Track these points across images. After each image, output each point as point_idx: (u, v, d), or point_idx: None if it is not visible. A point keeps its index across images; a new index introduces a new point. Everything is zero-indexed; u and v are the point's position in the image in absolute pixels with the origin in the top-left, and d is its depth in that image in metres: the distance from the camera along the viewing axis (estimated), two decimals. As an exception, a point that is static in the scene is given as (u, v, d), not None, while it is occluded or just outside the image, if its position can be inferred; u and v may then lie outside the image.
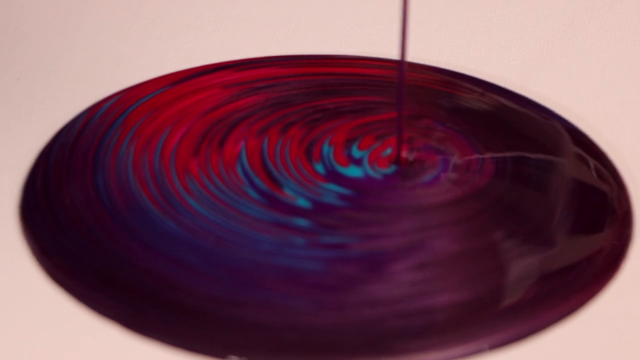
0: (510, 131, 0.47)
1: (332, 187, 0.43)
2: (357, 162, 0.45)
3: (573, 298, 0.38)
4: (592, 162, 0.44)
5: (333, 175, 0.44)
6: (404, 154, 0.45)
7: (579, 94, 0.49)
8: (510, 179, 0.43)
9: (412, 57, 0.50)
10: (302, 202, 0.42)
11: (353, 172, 0.44)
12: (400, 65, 0.43)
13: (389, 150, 0.45)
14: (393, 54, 0.52)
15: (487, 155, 0.45)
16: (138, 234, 0.40)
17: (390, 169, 0.44)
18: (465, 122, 0.47)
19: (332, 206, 0.42)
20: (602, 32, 0.53)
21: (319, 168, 0.44)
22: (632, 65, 0.50)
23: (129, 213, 0.41)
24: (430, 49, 0.51)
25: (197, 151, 0.45)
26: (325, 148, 0.46)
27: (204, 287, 0.38)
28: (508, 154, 0.45)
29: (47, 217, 0.41)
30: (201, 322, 0.37)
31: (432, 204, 0.42)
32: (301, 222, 0.41)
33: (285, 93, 0.50)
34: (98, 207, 0.42)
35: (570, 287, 0.38)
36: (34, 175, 0.43)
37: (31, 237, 0.40)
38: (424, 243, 0.40)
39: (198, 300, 0.38)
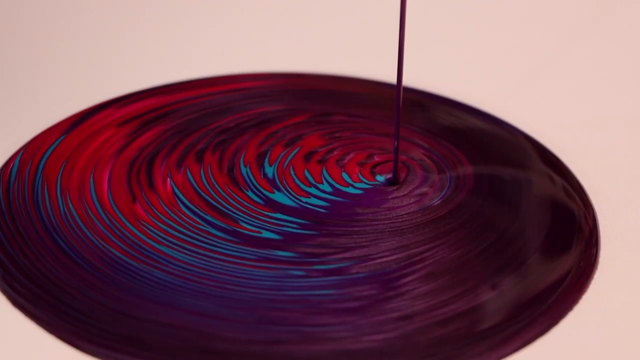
0: (480, 148, 0.48)
1: (281, 216, 0.43)
2: (274, 184, 0.44)
3: (542, 319, 0.38)
4: (559, 180, 0.46)
5: (272, 204, 0.43)
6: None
7: (547, 114, 0.51)
8: (486, 196, 0.44)
9: (385, 77, 0.52)
10: (269, 235, 0.42)
11: (283, 199, 0.44)
12: (397, 89, 0.43)
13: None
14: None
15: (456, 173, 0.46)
16: (142, 293, 0.38)
17: (311, 200, 0.44)
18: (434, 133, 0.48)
19: (302, 235, 0.42)
20: (571, 58, 0.56)
21: (252, 195, 0.44)
22: (596, 89, 0.53)
23: (115, 273, 0.39)
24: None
25: (133, 197, 0.43)
26: (243, 169, 0.45)
27: (236, 332, 0.37)
28: (484, 171, 0.46)
29: (29, 287, 0.38)
30: None
31: (410, 225, 0.43)
32: (284, 254, 0.41)
33: (179, 121, 0.49)
34: (79, 272, 0.39)
35: (541, 307, 0.39)
36: None
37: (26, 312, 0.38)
38: (420, 256, 0.41)
39: (235, 345, 0.37)
